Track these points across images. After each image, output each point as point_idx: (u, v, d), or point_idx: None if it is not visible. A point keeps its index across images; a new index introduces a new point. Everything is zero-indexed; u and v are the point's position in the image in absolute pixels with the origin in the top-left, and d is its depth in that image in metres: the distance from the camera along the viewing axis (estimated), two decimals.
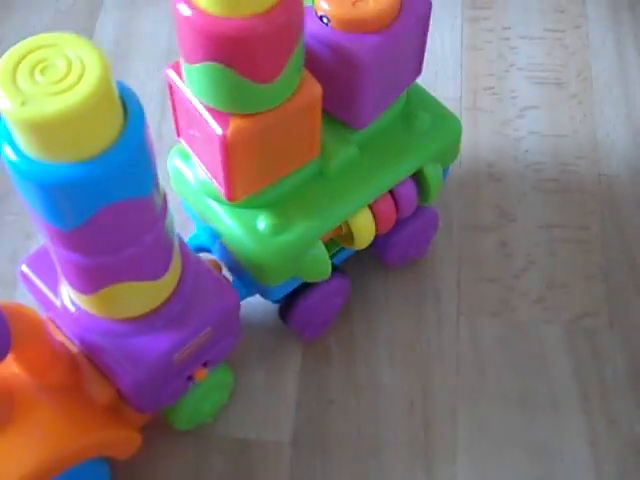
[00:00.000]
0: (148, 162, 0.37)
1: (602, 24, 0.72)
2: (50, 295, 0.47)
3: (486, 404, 0.56)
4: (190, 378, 0.48)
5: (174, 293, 0.45)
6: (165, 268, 0.43)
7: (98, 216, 0.37)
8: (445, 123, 0.53)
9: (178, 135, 0.49)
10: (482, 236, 0.63)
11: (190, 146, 0.49)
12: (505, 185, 0.65)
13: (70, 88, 0.33)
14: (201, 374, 0.48)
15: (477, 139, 0.67)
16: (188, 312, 0.45)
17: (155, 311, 0.45)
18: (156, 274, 0.43)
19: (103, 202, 0.36)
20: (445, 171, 0.56)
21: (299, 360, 0.57)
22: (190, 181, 0.51)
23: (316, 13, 0.46)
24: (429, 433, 0.54)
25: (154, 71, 0.70)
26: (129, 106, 0.36)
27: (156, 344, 0.45)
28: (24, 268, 0.48)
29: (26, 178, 0.35)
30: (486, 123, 0.68)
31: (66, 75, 0.33)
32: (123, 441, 0.48)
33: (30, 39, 0.34)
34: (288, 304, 0.55)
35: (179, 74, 0.45)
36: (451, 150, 0.54)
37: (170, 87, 0.46)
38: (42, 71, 0.33)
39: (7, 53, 0.34)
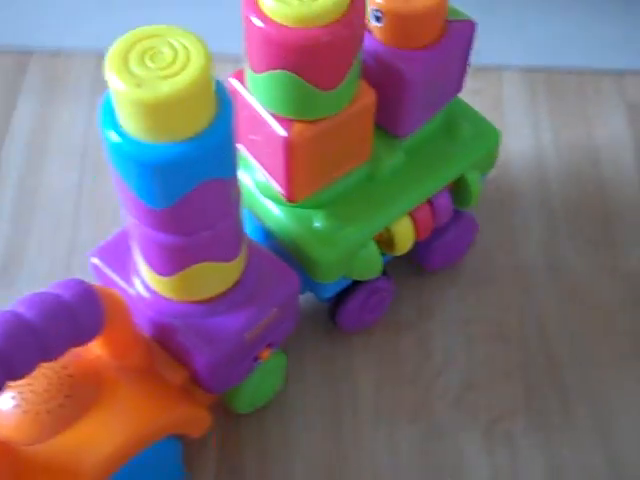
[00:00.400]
0: (234, 146, 0.42)
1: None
2: (123, 284, 0.51)
3: None
4: (256, 359, 0.52)
5: (243, 275, 0.49)
6: (238, 250, 0.47)
7: (191, 195, 0.41)
8: (485, 132, 0.58)
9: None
10: (401, 334, 0.62)
11: (249, 151, 0.53)
12: (424, 278, 0.64)
13: (178, 73, 0.37)
14: (266, 354, 0.52)
15: None
16: (256, 294, 0.50)
17: (226, 293, 0.49)
18: (231, 255, 0.47)
19: (197, 181, 0.41)
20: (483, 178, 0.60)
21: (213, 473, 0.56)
22: (247, 184, 0.55)
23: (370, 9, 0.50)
24: None
25: (71, 168, 0.70)
26: (220, 95, 0.40)
27: (229, 324, 0.49)
28: (95, 260, 0.52)
29: (129, 158, 0.39)
30: None
31: (173, 61, 0.38)
32: (196, 420, 0.51)
33: (137, 30, 0.39)
34: (337, 304, 0.59)
35: (242, 82, 0.49)
36: (490, 158, 0.58)
37: (233, 94, 0.50)
38: (151, 57, 0.38)
39: (117, 41, 0.39)
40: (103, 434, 0.46)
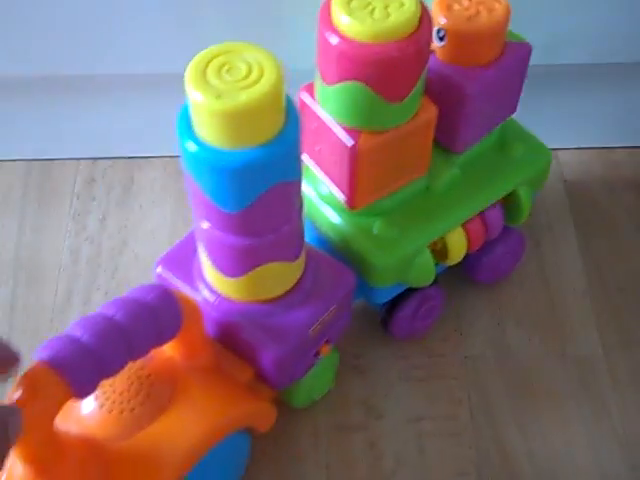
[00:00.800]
0: (300, 152, 0.45)
1: None
2: (188, 289, 0.53)
3: None
4: (317, 354, 0.54)
5: (303, 274, 0.52)
6: (300, 249, 0.50)
7: (262, 197, 0.44)
8: (537, 152, 0.60)
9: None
10: (350, 437, 0.60)
11: (315, 161, 0.56)
12: (371, 377, 0.63)
13: (253, 84, 0.40)
14: (325, 349, 0.55)
15: None
16: (316, 291, 0.53)
17: (289, 292, 0.52)
18: (294, 255, 0.50)
19: (268, 184, 0.43)
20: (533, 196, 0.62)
21: None
22: (309, 194, 0.58)
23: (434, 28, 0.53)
24: None
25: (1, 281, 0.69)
26: (287, 105, 0.43)
27: (293, 321, 0.51)
28: (160, 270, 0.55)
29: (207, 164, 0.42)
30: None
31: (248, 74, 0.41)
32: (264, 414, 0.54)
33: (212, 47, 0.42)
34: (390, 311, 0.61)
35: (312, 96, 0.53)
36: (541, 176, 0.61)
37: (302, 107, 0.53)
38: (228, 71, 0.41)
39: (195, 58, 0.42)
40: (181, 430, 0.49)
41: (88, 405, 0.49)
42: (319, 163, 0.56)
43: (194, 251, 0.54)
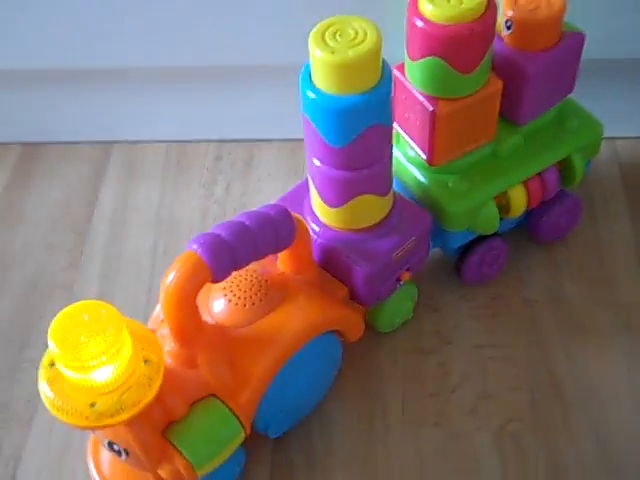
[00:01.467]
0: (391, 102, 0.59)
1: None
2: None
3: None
4: (398, 279, 0.68)
5: (390, 212, 0.66)
6: (389, 187, 0.64)
7: (361, 135, 0.58)
8: (589, 125, 0.73)
9: (393, 120, 0.70)
10: (424, 358, 0.73)
11: (402, 127, 0.70)
12: (443, 313, 0.76)
13: (359, 44, 0.55)
14: (406, 276, 0.68)
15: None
16: (399, 225, 0.66)
17: (378, 224, 0.66)
18: (384, 191, 0.63)
19: (366, 124, 0.58)
20: (587, 164, 0.74)
21: (268, 470, 0.68)
22: (399, 157, 0.72)
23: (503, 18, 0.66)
24: None
25: (146, 233, 0.85)
26: (384, 65, 0.58)
27: (381, 246, 0.65)
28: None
29: (320, 107, 0.57)
30: None
31: (355, 37, 0.55)
32: (354, 323, 0.67)
33: (330, 18, 0.57)
34: (462, 258, 0.74)
35: (402, 73, 0.67)
36: (593, 146, 0.73)
37: (395, 81, 0.68)
38: (340, 35, 0.56)
39: (317, 26, 0.56)
40: (288, 321, 0.63)
41: (219, 302, 0.64)
42: (407, 129, 0.70)
43: (305, 194, 0.68)
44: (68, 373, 0.53)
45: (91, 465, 0.66)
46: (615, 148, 0.87)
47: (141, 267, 0.82)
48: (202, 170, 0.90)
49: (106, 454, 0.66)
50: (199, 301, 0.59)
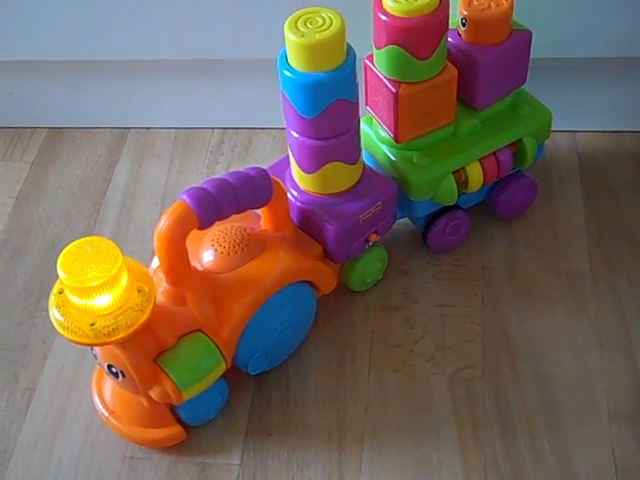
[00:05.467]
0: (355, 80, 0.69)
1: None
2: None
3: (386, 433, 0.74)
4: (366, 241, 0.78)
5: (359, 180, 0.76)
6: (357, 157, 0.74)
7: (329, 108, 0.68)
8: (540, 112, 0.82)
9: (366, 104, 0.81)
10: (392, 314, 0.83)
11: (373, 110, 0.80)
12: (410, 276, 0.86)
13: (325, 30, 0.66)
14: (374, 237, 0.78)
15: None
16: (367, 192, 0.76)
17: (348, 190, 0.76)
18: (353, 159, 0.74)
19: (333, 98, 0.68)
20: (540, 148, 0.84)
21: (248, 403, 0.78)
22: (370, 135, 0.82)
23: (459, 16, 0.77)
24: (342, 455, 0.73)
25: (153, 205, 0.96)
26: (349, 48, 0.68)
27: (350, 209, 0.75)
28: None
29: (294, 82, 0.67)
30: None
31: (322, 24, 0.66)
32: (327, 277, 0.77)
33: (302, 9, 0.67)
34: (427, 228, 0.84)
35: (372, 62, 0.77)
36: (543, 130, 0.83)
37: (365, 69, 0.78)
38: (310, 22, 0.66)
39: (293, 14, 0.67)
40: (267, 268, 0.73)
41: (208, 252, 0.74)
42: (377, 111, 0.80)
43: (287, 165, 0.79)
44: (73, 299, 0.64)
45: (95, 396, 0.77)
46: (575, 140, 0.97)
47: (147, 235, 0.93)
48: (206, 152, 1.01)
49: (107, 388, 0.76)
50: (191, 252, 0.69)
